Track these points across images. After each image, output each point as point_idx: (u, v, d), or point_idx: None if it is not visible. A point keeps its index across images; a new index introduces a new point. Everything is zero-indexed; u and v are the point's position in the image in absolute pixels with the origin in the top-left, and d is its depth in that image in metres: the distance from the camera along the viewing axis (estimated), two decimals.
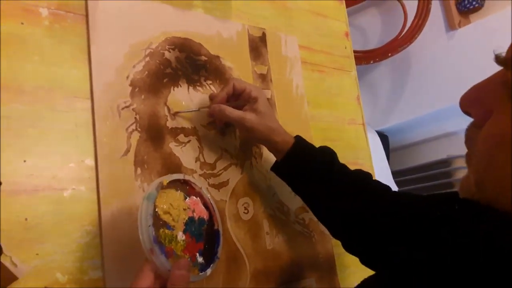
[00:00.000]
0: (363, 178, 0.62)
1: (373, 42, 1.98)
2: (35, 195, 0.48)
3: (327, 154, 0.64)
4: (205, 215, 0.50)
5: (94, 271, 0.50)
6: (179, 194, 0.48)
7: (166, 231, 0.45)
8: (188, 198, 0.49)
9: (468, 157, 0.37)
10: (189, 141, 0.62)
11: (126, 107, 0.57)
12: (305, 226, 0.74)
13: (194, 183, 0.51)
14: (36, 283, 0.46)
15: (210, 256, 0.49)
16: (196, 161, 0.62)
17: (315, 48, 0.90)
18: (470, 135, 0.37)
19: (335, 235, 0.64)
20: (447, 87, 1.78)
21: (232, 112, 0.62)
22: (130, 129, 0.56)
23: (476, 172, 0.36)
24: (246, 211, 0.66)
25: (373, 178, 0.63)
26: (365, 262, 0.58)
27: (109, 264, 0.50)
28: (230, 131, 0.69)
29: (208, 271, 0.47)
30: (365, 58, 1.87)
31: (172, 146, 0.60)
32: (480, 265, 0.33)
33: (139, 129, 0.57)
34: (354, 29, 2.07)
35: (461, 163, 1.79)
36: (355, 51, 1.73)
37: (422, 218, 0.50)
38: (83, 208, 0.51)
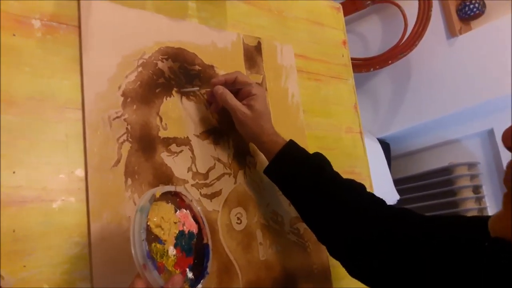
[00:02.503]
0: (354, 189, 0.61)
1: (374, 49, 1.98)
2: (23, 206, 0.48)
3: (317, 160, 0.63)
4: (194, 228, 0.50)
5: (82, 283, 0.50)
6: (169, 207, 0.48)
7: (158, 245, 0.44)
8: (178, 210, 0.48)
9: (508, 198, 0.35)
10: (181, 151, 0.62)
11: (118, 117, 0.57)
12: (300, 236, 0.73)
13: (184, 195, 0.50)
14: None
15: (199, 271, 0.48)
16: (188, 171, 0.62)
17: (312, 57, 0.90)
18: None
19: (321, 240, 0.63)
20: (448, 94, 1.77)
21: (231, 99, 0.63)
22: (121, 140, 0.56)
23: None
24: (239, 221, 0.66)
25: (366, 190, 0.62)
26: (350, 270, 0.58)
27: (98, 276, 0.50)
28: (224, 140, 0.68)
29: (199, 286, 0.46)
30: (365, 65, 1.86)
31: (163, 156, 0.60)
32: None
33: (130, 140, 0.57)
34: (355, 36, 2.07)
35: (463, 171, 1.78)
36: (355, 59, 1.72)
37: (438, 252, 0.47)
38: (72, 219, 0.51)
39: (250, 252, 0.66)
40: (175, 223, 0.47)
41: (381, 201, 0.60)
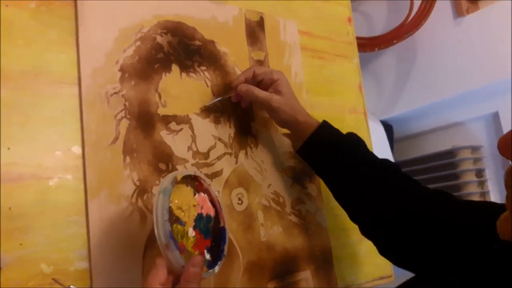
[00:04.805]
0: (389, 168, 0.60)
1: (379, 28, 1.94)
2: (19, 183, 0.47)
3: (351, 140, 0.64)
4: (211, 212, 0.51)
5: (80, 262, 0.49)
6: (189, 190, 0.49)
7: (179, 226, 0.45)
8: (197, 194, 0.50)
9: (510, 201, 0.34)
10: (181, 129, 0.60)
11: (115, 93, 0.55)
12: (301, 217, 0.72)
13: (203, 179, 0.51)
14: (20, 274, 0.45)
15: (216, 253, 0.49)
16: (188, 150, 0.60)
17: (316, 34, 0.87)
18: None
19: (353, 219, 0.63)
20: (454, 76, 1.74)
21: (260, 92, 0.63)
22: (119, 116, 0.55)
23: None
24: (240, 202, 0.65)
25: (401, 170, 0.61)
26: (381, 250, 0.59)
27: (96, 254, 0.49)
28: (225, 119, 0.67)
29: (216, 268, 0.48)
30: (369, 45, 1.82)
31: (163, 134, 0.58)
32: None
33: (128, 116, 0.55)
34: (359, 15, 2.02)
35: (467, 154, 1.76)
36: (359, 38, 1.68)
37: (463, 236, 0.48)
38: (69, 197, 0.50)
39: (251, 233, 0.65)
40: (194, 206, 0.48)
41: (416, 182, 0.59)
